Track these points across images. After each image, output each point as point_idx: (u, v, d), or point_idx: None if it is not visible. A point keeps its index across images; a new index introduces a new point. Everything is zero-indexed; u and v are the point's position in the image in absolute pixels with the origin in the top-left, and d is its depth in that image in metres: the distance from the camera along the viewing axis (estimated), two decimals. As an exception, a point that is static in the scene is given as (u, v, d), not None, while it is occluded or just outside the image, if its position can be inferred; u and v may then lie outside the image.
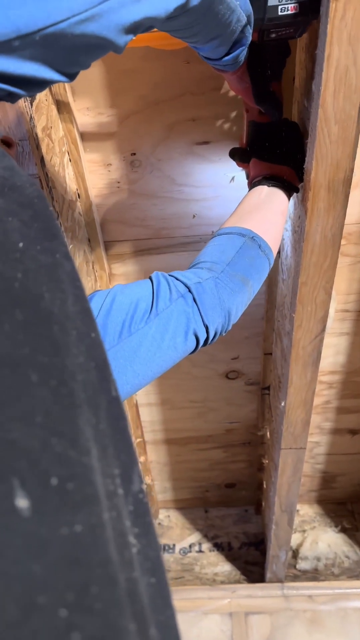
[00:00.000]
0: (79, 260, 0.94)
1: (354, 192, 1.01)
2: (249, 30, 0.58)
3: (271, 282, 1.18)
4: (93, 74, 0.87)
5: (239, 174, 1.00)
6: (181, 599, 1.65)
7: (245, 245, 0.68)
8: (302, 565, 1.75)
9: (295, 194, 0.78)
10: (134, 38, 0.47)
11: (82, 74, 0.87)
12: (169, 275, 0.65)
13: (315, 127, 0.63)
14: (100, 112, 0.92)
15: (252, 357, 1.38)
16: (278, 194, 0.74)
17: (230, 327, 0.67)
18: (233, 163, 0.85)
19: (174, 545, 1.87)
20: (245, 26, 0.56)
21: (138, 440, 1.60)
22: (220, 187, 1.02)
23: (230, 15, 0.53)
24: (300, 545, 1.80)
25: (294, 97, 0.86)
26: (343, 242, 1.09)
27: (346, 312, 1.23)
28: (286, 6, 0.58)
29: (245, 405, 1.52)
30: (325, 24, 0.56)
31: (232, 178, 1.01)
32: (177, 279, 0.64)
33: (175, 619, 0.29)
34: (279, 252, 1.09)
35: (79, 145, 0.92)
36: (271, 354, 1.34)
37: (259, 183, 0.75)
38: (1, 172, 0.34)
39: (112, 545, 0.23)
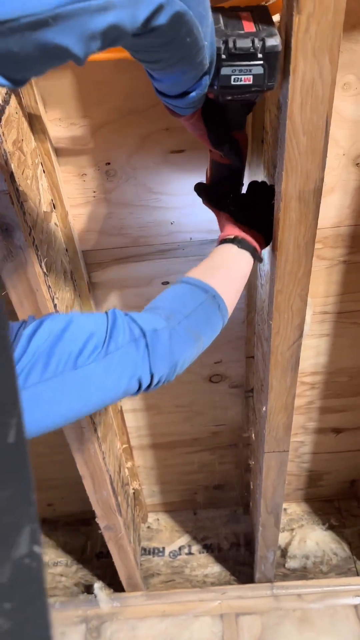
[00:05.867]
0: (56, 271, 0.94)
1: (329, 196, 1.02)
2: (206, 80, 0.56)
3: (251, 286, 1.18)
4: (64, 85, 0.87)
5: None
6: (172, 602, 1.66)
7: (206, 301, 0.68)
8: (291, 564, 1.77)
9: (275, 202, 0.79)
10: (97, 52, 0.43)
11: (53, 85, 0.87)
12: (126, 314, 0.64)
13: (284, 139, 0.63)
14: (73, 122, 0.91)
15: (235, 361, 1.38)
16: (245, 258, 0.75)
17: (173, 379, 0.66)
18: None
19: (163, 548, 1.87)
20: (204, 74, 0.54)
21: (124, 446, 1.60)
22: (196, 195, 1.02)
23: (197, 53, 0.50)
24: (288, 544, 1.81)
25: (265, 106, 0.86)
26: (320, 246, 1.10)
27: (325, 314, 1.24)
28: (239, 77, 0.56)
29: (230, 408, 1.53)
30: (290, 37, 0.56)
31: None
32: (134, 320, 0.63)
33: None
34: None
35: (52, 156, 0.91)
36: (253, 357, 1.34)
37: (230, 242, 0.76)
38: None
39: None
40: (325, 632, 1.58)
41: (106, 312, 0.64)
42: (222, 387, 1.46)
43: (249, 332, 1.30)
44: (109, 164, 0.97)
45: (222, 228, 0.82)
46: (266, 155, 0.89)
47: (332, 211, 1.05)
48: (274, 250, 0.78)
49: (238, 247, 0.75)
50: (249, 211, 0.80)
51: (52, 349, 0.57)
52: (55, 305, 0.89)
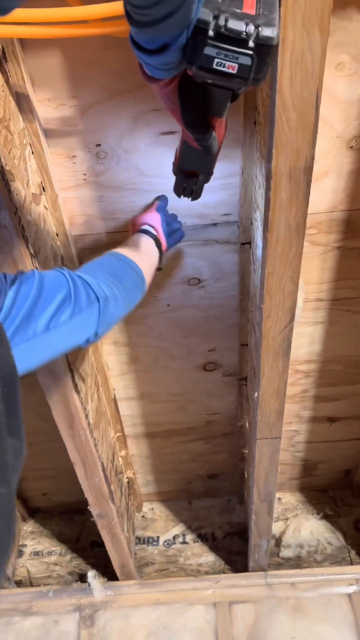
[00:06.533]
0: (45, 254, 0.93)
1: (323, 180, 1.01)
2: (185, 34, 0.49)
3: (244, 273, 1.17)
4: (52, 64, 0.85)
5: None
6: (165, 590, 1.66)
7: (137, 282, 0.85)
8: (285, 553, 1.76)
9: (266, 181, 0.78)
10: None
11: (41, 64, 0.85)
12: (78, 276, 0.72)
13: (274, 114, 0.62)
14: (62, 103, 0.90)
15: (229, 349, 1.37)
16: (157, 254, 0.96)
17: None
18: None
19: (158, 537, 1.87)
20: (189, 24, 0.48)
21: (118, 434, 1.59)
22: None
23: None
24: (283, 533, 1.81)
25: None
26: (314, 231, 1.09)
27: (320, 302, 1.23)
28: (224, 62, 0.49)
29: (224, 396, 1.52)
30: (279, 6, 0.54)
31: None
32: (88, 284, 0.72)
33: None
34: (249, 243, 1.09)
35: (40, 137, 0.90)
36: (247, 344, 1.33)
37: (153, 237, 0.95)
38: None
39: None
40: (319, 620, 1.58)
41: (60, 272, 0.71)
42: (216, 375, 1.45)
43: (242, 319, 1.28)
44: (99, 145, 0.95)
45: (146, 214, 0.98)
46: (259, 136, 0.87)
47: (326, 195, 1.03)
48: (265, 232, 0.76)
49: (155, 243, 0.95)
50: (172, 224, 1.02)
51: (32, 312, 0.63)
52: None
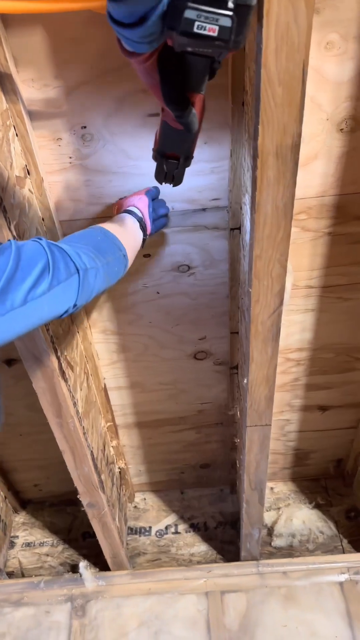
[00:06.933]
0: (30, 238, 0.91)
1: (313, 164, 0.99)
2: (164, 3, 0.48)
3: (234, 259, 1.16)
4: (35, 42, 0.83)
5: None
6: (157, 580, 1.65)
7: (119, 258, 0.86)
8: (277, 542, 1.77)
9: (252, 160, 0.77)
10: None
11: (24, 43, 0.83)
12: (56, 246, 0.71)
13: (259, 89, 0.61)
14: (46, 83, 0.88)
15: (219, 337, 1.36)
16: (141, 236, 0.97)
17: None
18: None
19: (150, 527, 1.87)
20: None
21: (109, 424, 1.58)
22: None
23: None
24: (275, 522, 1.81)
25: (245, 64, 0.83)
26: (304, 216, 1.08)
27: (310, 289, 1.22)
28: (204, 25, 0.49)
29: (215, 385, 1.51)
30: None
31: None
32: (68, 255, 0.71)
33: None
34: (239, 229, 1.08)
35: (24, 119, 0.88)
36: (237, 333, 1.32)
37: (139, 219, 0.96)
38: None
39: None
40: (310, 608, 1.58)
41: (37, 242, 0.70)
42: (206, 364, 1.44)
43: (232, 307, 1.27)
44: (84, 127, 0.93)
45: (135, 196, 0.99)
46: (247, 116, 0.86)
47: (316, 180, 1.02)
48: (252, 214, 0.75)
49: (140, 225, 0.95)
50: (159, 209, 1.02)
51: (8, 285, 0.62)
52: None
